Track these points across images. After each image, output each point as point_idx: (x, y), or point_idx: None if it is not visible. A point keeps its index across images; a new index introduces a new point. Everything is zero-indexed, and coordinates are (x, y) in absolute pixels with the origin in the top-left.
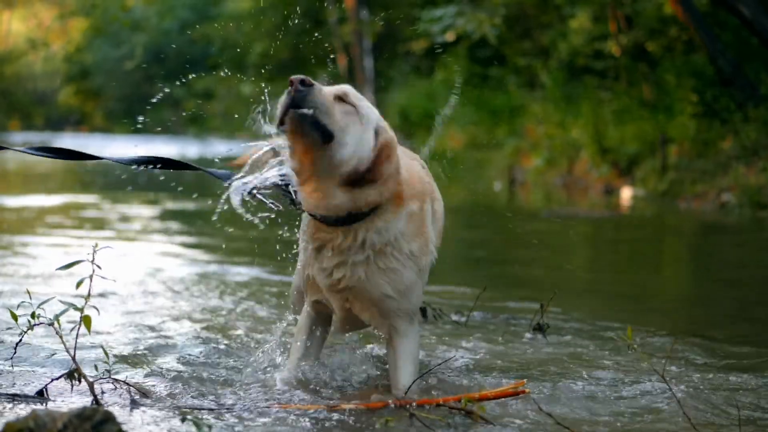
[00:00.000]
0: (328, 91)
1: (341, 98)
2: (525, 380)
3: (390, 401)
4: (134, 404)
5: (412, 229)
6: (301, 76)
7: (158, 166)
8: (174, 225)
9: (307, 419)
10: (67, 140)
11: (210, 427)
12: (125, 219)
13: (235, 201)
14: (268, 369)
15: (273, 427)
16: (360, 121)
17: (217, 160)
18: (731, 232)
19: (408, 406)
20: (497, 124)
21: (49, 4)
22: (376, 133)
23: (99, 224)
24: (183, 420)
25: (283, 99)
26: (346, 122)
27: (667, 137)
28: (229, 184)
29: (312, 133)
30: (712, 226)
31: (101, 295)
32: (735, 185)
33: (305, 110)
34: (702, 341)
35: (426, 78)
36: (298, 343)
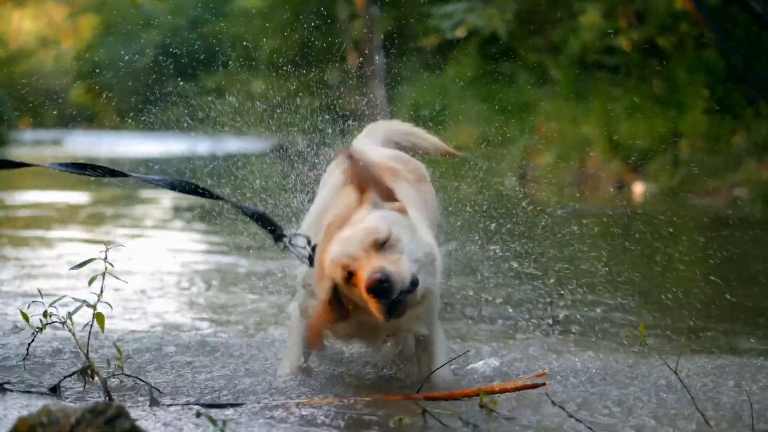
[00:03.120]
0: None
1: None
2: (545, 372)
3: (401, 396)
4: (147, 400)
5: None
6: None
7: (195, 189)
8: (189, 219)
9: (321, 414)
10: (79, 138)
11: (224, 423)
12: (139, 214)
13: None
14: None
15: (287, 423)
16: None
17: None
18: (743, 227)
19: (420, 401)
20: (508, 120)
21: (59, 2)
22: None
23: (112, 220)
24: (198, 416)
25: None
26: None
27: (679, 133)
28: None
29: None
30: (724, 221)
31: (115, 290)
32: (746, 181)
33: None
34: (715, 336)
35: (437, 74)
36: (296, 343)
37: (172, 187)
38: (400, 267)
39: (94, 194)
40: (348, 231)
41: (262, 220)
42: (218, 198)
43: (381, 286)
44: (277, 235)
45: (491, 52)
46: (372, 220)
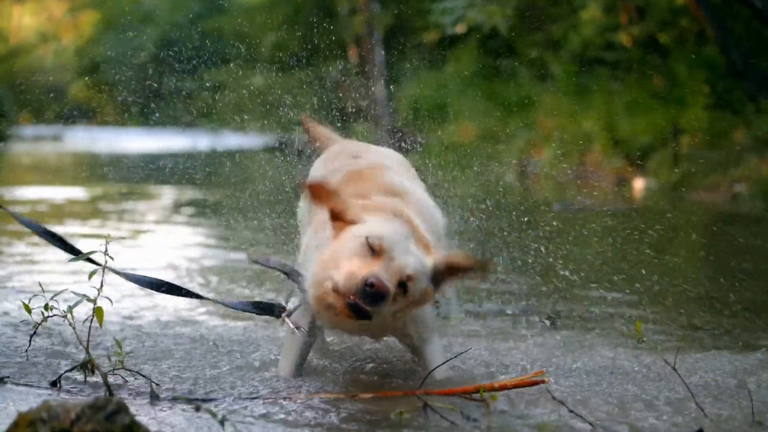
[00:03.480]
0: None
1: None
2: (545, 369)
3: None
4: (147, 395)
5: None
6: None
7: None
8: (192, 215)
9: (321, 409)
10: (79, 133)
11: (225, 417)
12: (142, 210)
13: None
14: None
15: (288, 417)
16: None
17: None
18: (744, 223)
19: (422, 396)
20: (508, 116)
21: None
22: None
23: (115, 215)
24: (197, 409)
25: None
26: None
27: (679, 129)
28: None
29: None
30: (724, 217)
31: (114, 285)
32: (747, 177)
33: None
34: (714, 332)
35: (437, 70)
36: (295, 344)
37: (156, 287)
38: (391, 308)
39: (93, 190)
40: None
41: (259, 307)
42: (203, 298)
43: (379, 293)
44: (277, 313)
45: (491, 47)
46: (364, 229)
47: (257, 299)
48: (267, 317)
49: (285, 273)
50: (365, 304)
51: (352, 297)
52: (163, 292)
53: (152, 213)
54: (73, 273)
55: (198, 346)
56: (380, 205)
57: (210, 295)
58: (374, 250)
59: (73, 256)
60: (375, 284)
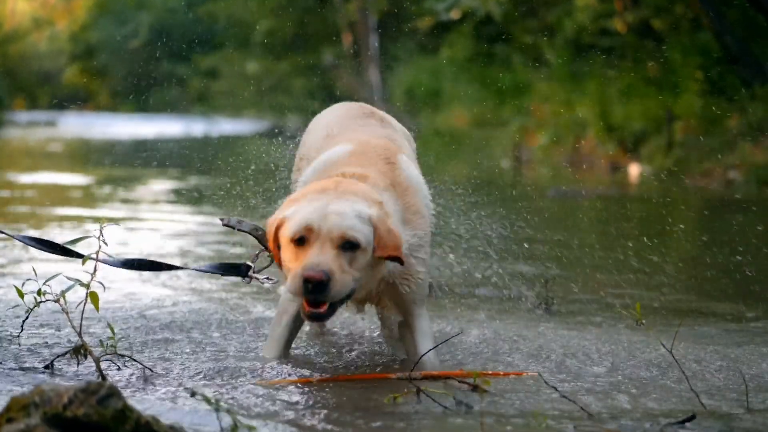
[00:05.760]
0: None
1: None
2: (537, 373)
3: (397, 375)
4: (139, 379)
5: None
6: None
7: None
8: (187, 201)
9: (314, 393)
10: (73, 119)
11: (218, 401)
12: (136, 195)
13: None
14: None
15: (281, 401)
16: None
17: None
18: (738, 209)
19: (415, 379)
20: (502, 102)
21: None
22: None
23: (107, 201)
24: (192, 395)
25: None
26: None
27: (673, 115)
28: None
29: None
30: (719, 203)
31: (108, 271)
32: (741, 163)
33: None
34: (710, 317)
35: (431, 56)
36: (282, 327)
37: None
38: (346, 278)
39: (87, 175)
40: (335, 198)
41: (224, 268)
42: (178, 268)
43: (318, 283)
44: (242, 272)
45: (486, 33)
46: (354, 209)
47: (223, 261)
48: (234, 278)
49: (256, 237)
50: (318, 297)
51: (305, 307)
52: (135, 269)
53: (146, 199)
54: (67, 261)
55: (192, 333)
56: (318, 185)
57: (177, 263)
58: (303, 240)
59: (67, 249)
60: (309, 277)
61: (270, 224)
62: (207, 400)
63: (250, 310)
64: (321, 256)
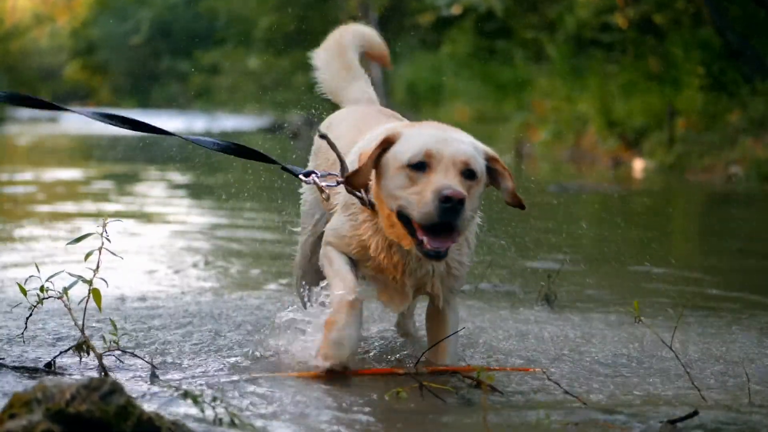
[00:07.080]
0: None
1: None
2: (541, 368)
3: (403, 370)
4: (142, 376)
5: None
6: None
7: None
8: (190, 198)
9: (316, 387)
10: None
11: (214, 398)
12: (139, 191)
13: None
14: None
15: (283, 395)
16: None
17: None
18: (739, 204)
19: (419, 374)
20: (504, 97)
21: None
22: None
23: (112, 197)
24: (185, 395)
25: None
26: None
27: (674, 110)
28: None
29: None
30: (720, 198)
31: (111, 268)
32: (742, 158)
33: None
34: (710, 311)
35: (433, 51)
36: (344, 263)
37: (220, 148)
38: (475, 204)
39: (88, 171)
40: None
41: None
42: (265, 159)
43: (459, 202)
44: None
45: (487, 29)
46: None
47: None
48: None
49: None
50: (454, 220)
51: (426, 244)
52: (230, 153)
53: (149, 195)
54: (69, 258)
55: (195, 329)
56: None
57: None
58: (422, 166)
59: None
60: (451, 195)
61: (367, 151)
62: (194, 399)
63: (253, 306)
64: (449, 180)
